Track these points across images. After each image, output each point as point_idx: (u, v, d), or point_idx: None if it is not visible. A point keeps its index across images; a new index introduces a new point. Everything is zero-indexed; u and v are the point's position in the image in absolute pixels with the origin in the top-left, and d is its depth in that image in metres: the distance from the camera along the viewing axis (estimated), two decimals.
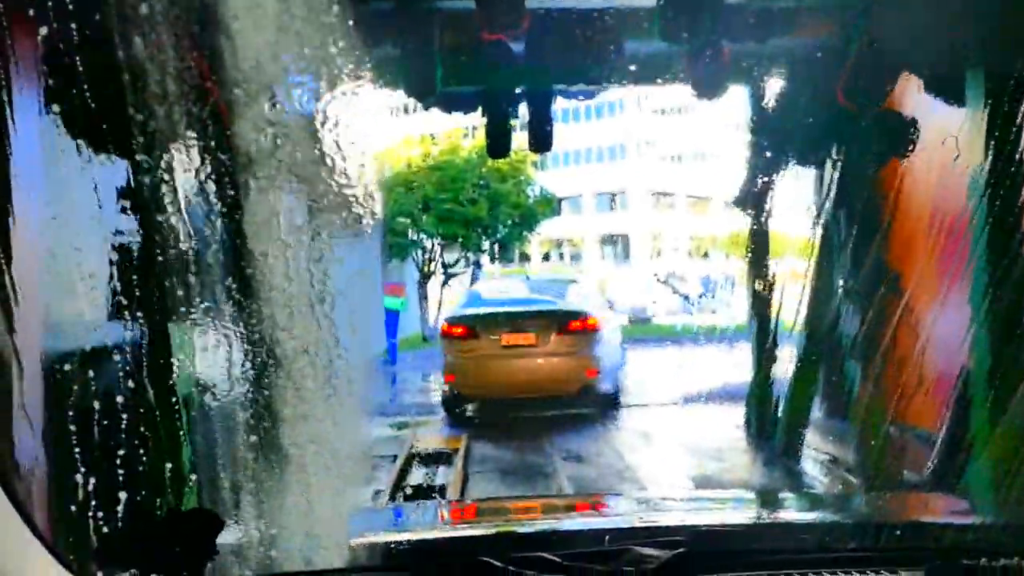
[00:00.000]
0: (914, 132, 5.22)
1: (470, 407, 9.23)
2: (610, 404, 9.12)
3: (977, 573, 1.45)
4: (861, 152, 5.83)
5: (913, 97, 5.22)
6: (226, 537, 1.49)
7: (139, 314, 1.58)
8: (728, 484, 6.37)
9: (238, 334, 1.67)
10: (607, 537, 1.55)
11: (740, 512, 1.96)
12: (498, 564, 1.45)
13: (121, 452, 1.50)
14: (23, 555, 1.14)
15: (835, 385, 6.73)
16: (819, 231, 6.58)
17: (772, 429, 7.19)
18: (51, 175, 1.59)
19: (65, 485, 1.41)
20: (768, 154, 7.03)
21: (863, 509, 2.13)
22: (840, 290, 6.12)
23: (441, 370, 9.24)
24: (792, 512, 2.09)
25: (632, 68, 5.58)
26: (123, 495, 1.47)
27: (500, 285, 11.89)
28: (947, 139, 4.63)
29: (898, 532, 1.67)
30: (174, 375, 1.71)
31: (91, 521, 1.43)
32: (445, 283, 19.15)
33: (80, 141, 1.58)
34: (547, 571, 1.43)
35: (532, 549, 1.49)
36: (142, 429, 1.57)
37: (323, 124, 1.71)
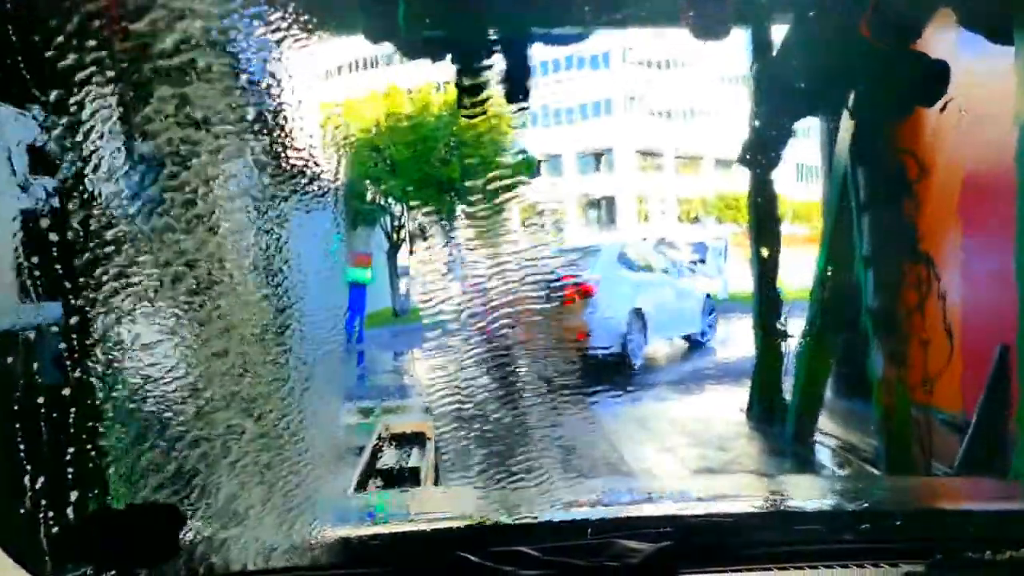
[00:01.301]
0: (943, 76, 5.12)
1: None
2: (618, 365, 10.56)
3: (983, 566, 1.52)
4: (884, 100, 5.72)
5: (946, 35, 5.11)
6: (183, 533, 1.55)
7: (74, 294, 1.58)
8: (729, 474, 6.42)
9: (186, 315, 1.67)
10: (589, 529, 1.61)
11: (731, 502, 2.03)
12: (473, 559, 1.51)
13: (69, 444, 1.54)
14: None
15: (852, 364, 6.72)
16: (833, 191, 6.53)
17: (780, 413, 7.20)
18: None
19: (12, 480, 1.46)
20: (776, 104, 6.96)
21: (861, 497, 2.20)
22: (858, 257, 6.06)
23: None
24: (786, 501, 2.16)
25: (622, 7, 5.50)
26: (75, 489, 1.52)
27: None
28: (988, 84, 4.56)
29: (899, 522, 1.74)
30: (119, 360, 1.71)
31: (41, 516, 1.47)
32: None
33: None
34: (525, 566, 1.49)
35: (509, 542, 1.55)
36: (88, 421, 1.61)
37: (271, 73, 1.70)
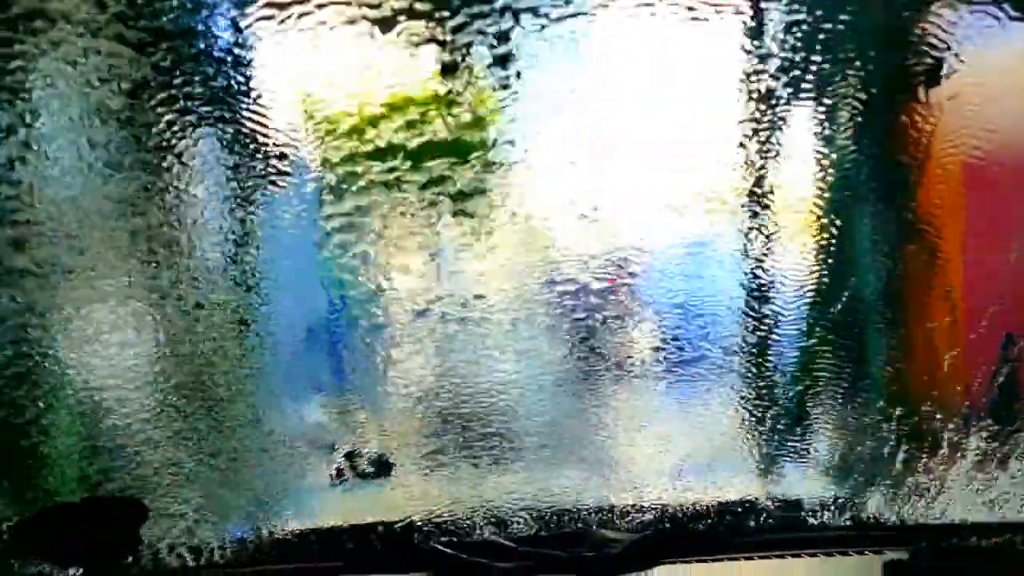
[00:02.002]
0: (944, 54, 5.13)
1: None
2: None
3: (968, 554, 1.55)
4: (885, 79, 5.73)
5: (950, 11, 5.11)
6: (143, 528, 1.54)
7: (22, 273, 1.55)
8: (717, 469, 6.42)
9: (146, 296, 1.64)
10: (565, 519, 1.62)
11: (714, 490, 2.04)
12: (448, 551, 1.53)
13: (11, 433, 1.52)
14: None
15: (852, 354, 6.74)
16: (833, 177, 6.52)
17: (778, 403, 7.21)
18: None
19: None
20: (771, 85, 6.96)
21: (846, 485, 2.22)
22: (859, 245, 6.07)
23: None
24: (770, 489, 2.18)
25: None
26: (22, 482, 1.50)
27: None
28: (996, 64, 4.58)
29: (882, 509, 1.76)
30: (70, 344, 1.68)
31: None
32: None
33: None
34: (501, 557, 1.51)
35: (485, 533, 1.57)
36: (37, 409, 1.59)
37: (246, 45, 1.68)
